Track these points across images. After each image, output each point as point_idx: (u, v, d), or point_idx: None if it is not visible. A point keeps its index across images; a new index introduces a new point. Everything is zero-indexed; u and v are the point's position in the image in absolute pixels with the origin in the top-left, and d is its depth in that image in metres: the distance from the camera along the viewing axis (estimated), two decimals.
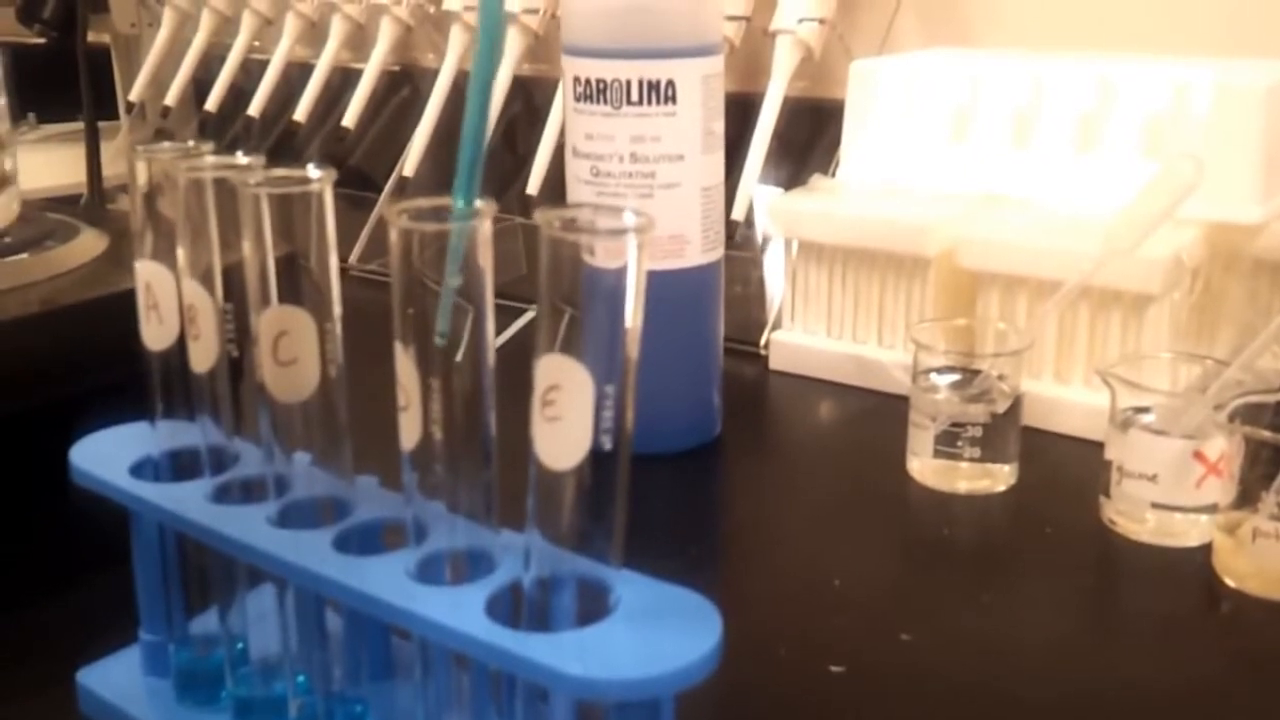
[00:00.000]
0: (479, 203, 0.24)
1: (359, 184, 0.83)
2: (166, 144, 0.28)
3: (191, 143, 0.29)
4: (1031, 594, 0.39)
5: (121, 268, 0.45)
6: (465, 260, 0.23)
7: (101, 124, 0.73)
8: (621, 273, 0.22)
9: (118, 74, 0.93)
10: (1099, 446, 0.43)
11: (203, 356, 0.29)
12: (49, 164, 0.78)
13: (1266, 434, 0.38)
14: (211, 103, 0.86)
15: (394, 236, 0.23)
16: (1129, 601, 0.40)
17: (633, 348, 0.22)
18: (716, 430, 0.51)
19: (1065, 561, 0.41)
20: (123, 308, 0.31)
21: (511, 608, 0.24)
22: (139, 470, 0.31)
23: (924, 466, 0.46)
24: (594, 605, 0.24)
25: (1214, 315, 0.52)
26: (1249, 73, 0.51)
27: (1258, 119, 0.49)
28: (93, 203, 0.67)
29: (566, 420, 0.22)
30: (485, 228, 0.24)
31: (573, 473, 0.23)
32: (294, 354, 0.26)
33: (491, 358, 0.24)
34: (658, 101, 0.45)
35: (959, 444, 0.45)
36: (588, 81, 0.45)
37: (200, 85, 0.89)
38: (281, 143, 0.88)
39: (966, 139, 0.57)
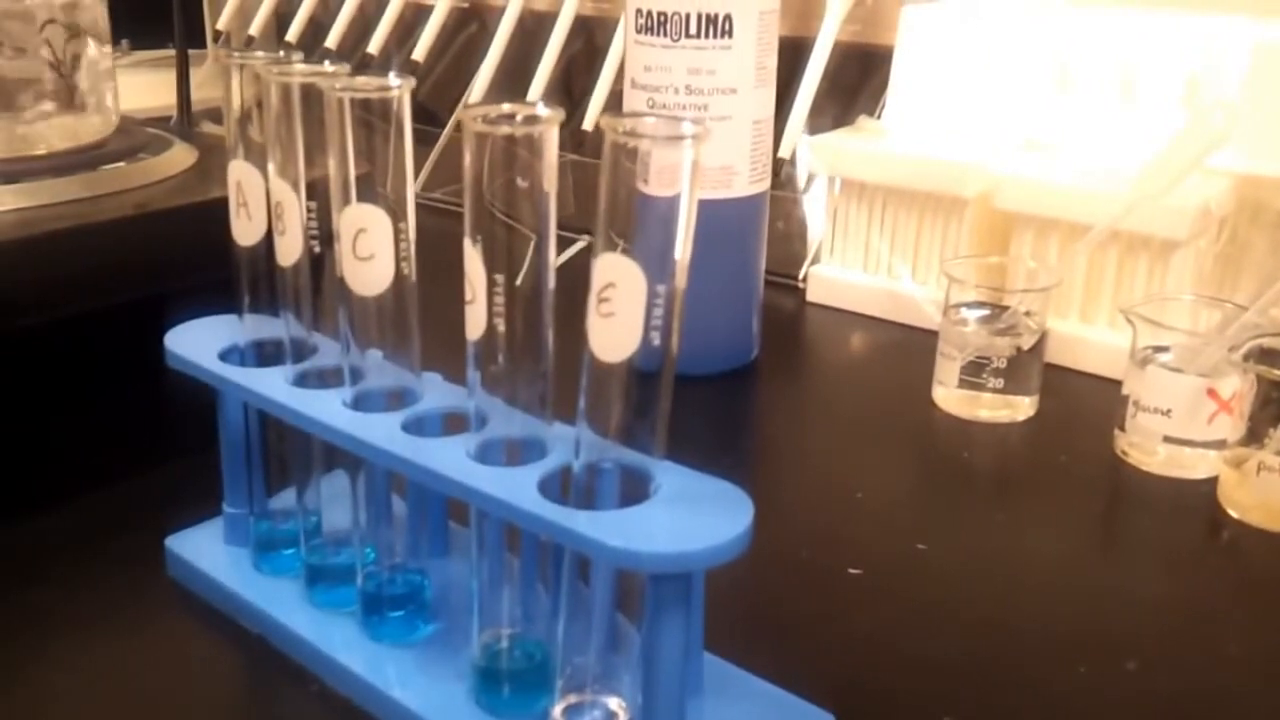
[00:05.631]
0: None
1: (424, 119, 0.84)
2: (260, 53, 0.29)
3: (281, 52, 0.29)
4: (1043, 515, 0.39)
5: (209, 179, 0.46)
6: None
7: (190, 52, 0.73)
8: (677, 176, 0.22)
9: (206, 5, 0.94)
10: (1118, 384, 0.43)
11: (288, 251, 0.30)
12: (141, 87, 0.78)
13: (1279, 373, 0.37)
14: (292, 34, 0.86)
15: (468, 138, 0.24)
16: (1135, 527, 0.40)
17: (684, 254, 0.23)
18: (753, 355, 0.51)
19: (1077, 488, 0.41)
20: (211, 214, 0.32)
21: (561, 488, 0.25)
22: (226, 357, 0.32)
23: (948, 395, 0.46)
24: (636, 490, 0.24)
25: (1237, 265, 0.51)
26: None
27: None
28: (182, 123, 0.68)
29: (620, 316, 0.23)
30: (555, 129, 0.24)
31: (623, 365, 0.23)
32: (371, 250, 0.27)
33: (553, 255, 0.25)
34: (714, 35, 0.44)
35: (983, 375, 0.45)
36: (648, 14, 0.45)
37: (282, 18, 0.90)
38: (356, 74, 0.88)
39: (1010, 86, 0.55)
